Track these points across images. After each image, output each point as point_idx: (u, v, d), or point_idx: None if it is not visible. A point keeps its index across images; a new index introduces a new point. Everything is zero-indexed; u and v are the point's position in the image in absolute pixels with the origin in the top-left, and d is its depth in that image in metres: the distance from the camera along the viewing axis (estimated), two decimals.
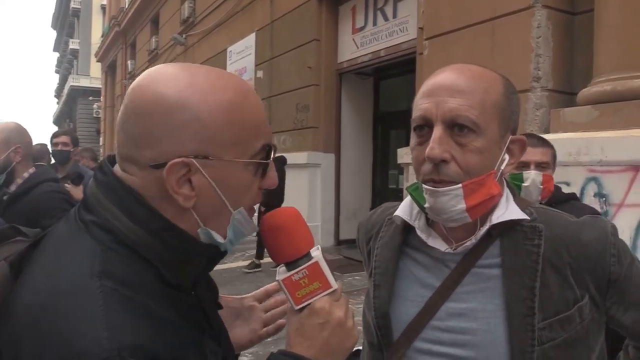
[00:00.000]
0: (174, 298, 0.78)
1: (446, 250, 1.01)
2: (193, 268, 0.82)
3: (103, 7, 37.10)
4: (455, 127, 0.92)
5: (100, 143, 31.97)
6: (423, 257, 1.05)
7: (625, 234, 3.86)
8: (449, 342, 0.98)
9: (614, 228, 0.99)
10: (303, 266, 0.84)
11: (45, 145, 4.48)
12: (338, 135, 9.61)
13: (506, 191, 1.02)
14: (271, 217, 0.88)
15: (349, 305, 0.89)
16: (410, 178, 6.16)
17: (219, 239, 0.80)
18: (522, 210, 0.99)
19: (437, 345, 0.99)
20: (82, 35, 44.21)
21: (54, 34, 66.47)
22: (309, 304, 0.84)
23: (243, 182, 0.80)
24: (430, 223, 1.06)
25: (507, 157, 0.99)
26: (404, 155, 6.39)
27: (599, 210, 4.02)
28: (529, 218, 0.98)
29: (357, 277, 7.21)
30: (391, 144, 9.65)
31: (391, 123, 9.90)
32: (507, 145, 0.98)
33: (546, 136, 4.56)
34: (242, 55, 12.45)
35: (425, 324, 1.00)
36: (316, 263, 0.84)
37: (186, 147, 0.74)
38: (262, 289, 1.15)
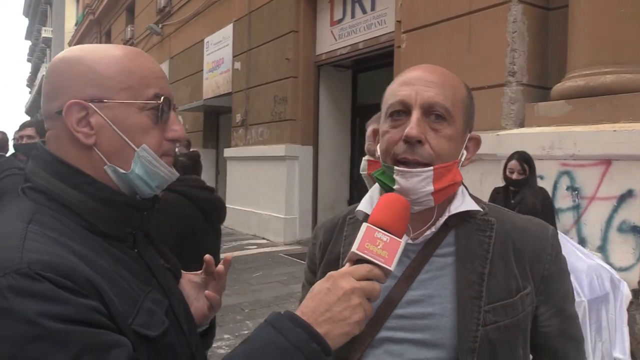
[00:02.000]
0: (109, 248, 0.89)
1: (408, 241, 1.06)
2: (124, 218, 0.94)
3: None
4: (432, 114, 1.01)
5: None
6: None
7: (596, 227, 3.95)
8: (408, 327, 1.03)
9: (554, 232, 1.10)
10: (390, 235, 0.90)
11: (5, 134, 4.40)
12: (316, 128, 9.60)
13: (462, 187, 1.11)
14: (396, 195, 0.98)
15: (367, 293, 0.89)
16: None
17: (123, 170, 0.91)
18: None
19: (398, 332, 1.04)
20: (55, 24, 43.23)
21: (26, 21, 64.97)
22: (364, 258, 0.88)
23: (140, 124, 0.92)
24: None
25: (464, 152, 1.08)
26: None
27: (571, 203, 4.10)
28: (482, 210, 1.08)
29: None
30: None
31: (369, 116, 9.57)
32: (465, 142, 1.08)
33: (521, 130, 4.64)
34: (219, 46, 12.33)
35: (389, 313, 1.05)
36: (399, 242, 0.90)
37: (83, 93, 0.89)
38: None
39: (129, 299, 0.85)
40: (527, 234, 1.07)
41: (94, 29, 26.17)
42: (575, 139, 4.03)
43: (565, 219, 4.14)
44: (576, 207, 4.08)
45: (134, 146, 0.92)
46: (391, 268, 0.89)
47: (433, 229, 1.06)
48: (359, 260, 0.89)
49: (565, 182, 4.15)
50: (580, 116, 4.20)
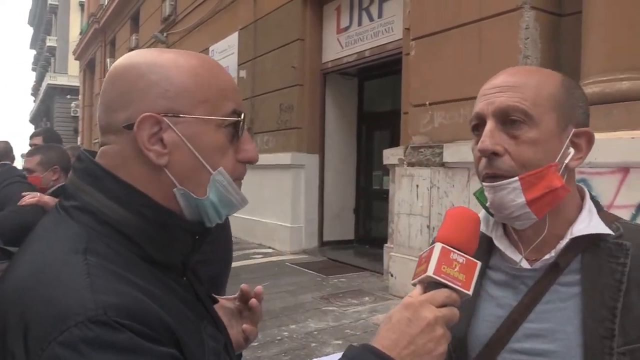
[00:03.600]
0: (163, 278, 0.78)
1: (525, 266, 0.97)
2: (178, 245, 0.82)
3: (81, 4, 36.54)
4: (508, 121, 0.92)
5: (79, 142, 31.48)
6: (499, 275, 1.01)
7: None
8: None
9: None
10: (466, 256, 0.84)
11: (8, 143, 4.43)
12: (322, 136, 9.55)
13: (589, 203, 0.99)
14: (465, 209, 0.91)
15: (445, 322, 0.82)
16: (397, 179, 6.13)
17: (196, 196, 0.80)
18: (608, 225, 0.94)
19: None
20: (60, 33, 43.48)
21: (30, 30, 65.32)
22: (441, 283, 0.82)
23: (217, 143, 0.81)
24: (507, 235, 1.03)
25: (572, 150, 0.95)
26: (390, 157, 6.36)
27: None
28: (613, 234, 0.93)
29: (342, 280, 7.16)
30: (375, 145, 9.61)
31: (375, 124, 9.87)
32: (569, 138, 0.95)
33: None
34: (224, 54, 12.32)
35: (502, 346, 0.95)
36: (476, 263, 0.84)
37: (156, 105, 0.78)
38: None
39: (197, 339, 0.77)
40: None
41: (99, 37, 26.24)
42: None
43: None
44: None
45: (210, 169, 0.81)
46: (470, 293, 0.82)
47: (553, 253, 0.94)
48: (432, 283, 0.82)
49: None
50: (596, 123, 4.10)
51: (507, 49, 4.95)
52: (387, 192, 7.34)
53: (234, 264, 8.21)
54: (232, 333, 1.05)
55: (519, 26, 4.89)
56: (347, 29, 8.87)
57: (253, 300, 1.10)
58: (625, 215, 3.79)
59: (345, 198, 9.88)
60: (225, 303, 1.11)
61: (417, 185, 5.80)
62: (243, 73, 11.24)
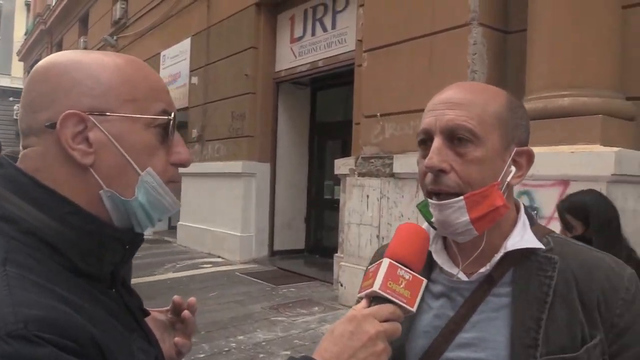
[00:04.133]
0: (90, 289, 0.74)
1: (462, 279, 0.99)
2: (108, 255, 0.78)
3: (27, 4, 35.32)
4: (455, 138, 0.93)
5: (20, 147, 30.25)
6: (438, 287, 1.03)
7: None
8: None
9: (633, 275, 0.94)
10: (413, 273, 0.85)
11: None
12: (274, 145, 9.52)
13: (523, 217, 1.01)
14: (416, 226, 0.92)
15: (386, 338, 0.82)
16: (347, 189, 6.16)
17: (124, 197, 0.77)
18: (539, 239, 0.97)
19: None
20: (4, 32, 41.78)
21: None
22: (387, 298, 0.83)
23: (145, 143, 0.79)
24: (446, 248, 1.06)
25: (513, 169, 0.97)
26: (341, 167, 6.39)
27: None
28: (544, 247, 0.96)
29: (292, 289, 7.12)
30: (327, 155, 9.65)
31: (328, 134, 9.92)
32: (512, 157, 0.97)
33: None
34: (176, 60, 12.14)
35: (439, 355, 0.97)
36: (422, 281, 0.86)
37: (81, 104, 0.75)
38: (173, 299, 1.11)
39: (126, 352, 0.74)
40: (595, 272, 0.92)
41: (45, 39, 25.41)
42: (535, 160, 4.09)
43: None
44: None
45: (138, 169, 0.78)
46: (414, 310, 0.84)
47: (488, 267, 0.96)
48: (377, 297, 0.83)
49: (524, 202, 4.19)
50: (538, 137, 4.26)
51: (456, 64, 5.07)
52: (338, 201, 7.37)
53: (183, 274, 8.02)
54: (165, 347, 1.02)
55: (467, 42, 5.02)
56: (300, 38, 8.90)
57: (186, 312, 1.06)
58: None
59: (297, 207, 9.87)
60: (157, 315, 1.07)
61: (368, 196, 5.85)
62: (195, 79, 11.10)
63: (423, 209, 0.99)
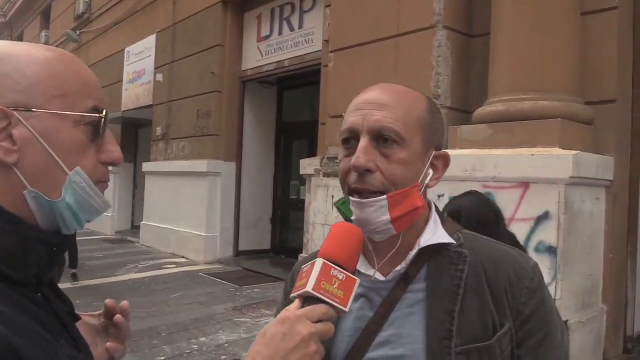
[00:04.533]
0: (10, 294, 0.70)
1: (379, 279, 1.01)
2: (32, 258, 0.74)
3: None
4: (381, 139, 0.95)
5: None
6: (358, 289, 1.01)
7: None
8: None
9: (537, 266, 1.01)
10: (346, 273, 0.84)
11: None
12: (240, 144, 9.44)
13: (434, 215, 1.05)
14: (350, 225, 0.92)
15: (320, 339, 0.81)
16: (313, 189, 6.14)
17: (50, 198, 0.74)
18: (451, 235, 1.02)
19: None
20: None
21: None
22: (320, 299, 0.81)
23: (74, 142, 0.76)
24: (364, 250, 1.06)
25: (431, 172, 1.01)
26: (307, 167, 6.37)
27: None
28: (455, 243, 1.00)
29: (256, 290, 7.06)
30: (293, 155, 9.62)
31: (294, 134, 9.89)
32: (430, 160, 1.01)
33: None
34: (141, 57, 11.93)
35: (361, 356, 0.98)
36: (355, 280, 0.85)
37: (5, 99, 0.71)
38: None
39: (51, 359, 0.70)
40: (502, 264, 0.98)
41: (5, 32, 24.63)
42: (496, 162, 4.15)
43: None
44: None
45: (66, 168, 0.75)
46: (347, 310, 0.83)
47: (403, 265, 0.99)
48: (310, 298, 0.82)
49: None
50: (500, 140, 4.33)
51: (421, 66, 5.11)
52: (304, 202, 7.35)
53: (145, 275, 7.88)
54: (97, 352, 0.98)
55: (432, 44, 5.07)
56: (267, 37, 8.85)
57: (118, 317, 1.02)
58: (524, 228, 4.00)
59: (262, 207, 9.81)
60: (89, 320, 1.03)
61: (333, 196, 5.84)
62: (160, 77, 10.92)
63: (342, 207, 1.00)
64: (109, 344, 1.01)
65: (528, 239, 4.01)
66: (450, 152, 4.18)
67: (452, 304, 0.94)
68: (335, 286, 0.82)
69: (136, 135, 13.57)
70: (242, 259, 9.24)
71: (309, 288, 0.81)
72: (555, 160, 3.86)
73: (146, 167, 11.10)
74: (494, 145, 4.36)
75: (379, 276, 1.01)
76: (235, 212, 9.46)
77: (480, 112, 4.67)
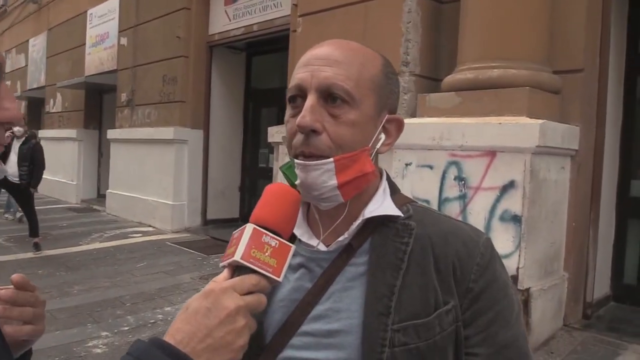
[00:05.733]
0: None
1: (321, 249, 0.94)
2: None
3: None
4: (329, 98, 0.87)
5: None
6: (297, 258, 0.96)
7: (480, 215, 4.07)
8: (313, 346, 0.90)
9: (489, 241, 0.94)
10: (279, 239, 0.77)
11: None
12: (207, 111, 9.24)
13: (384, 185, 0.98)
14: (285, 187, 0.85)
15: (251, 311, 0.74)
16: (280, 157, 6.06)
17: None
18: (399, 207, 0.95)
19: (303, 351, 0.90)
20: None
21: None
22: (249, 268, 0.74)
23: None
24: (307, 217, 0.99)
25: (383, 136, 0.94)
26: (275, 134, 6.27)
27: (458, 193, 4.20)
28: (402, 215, 0.93)
29: None
30: (262, 122, 9.47)
31: (263, 101, 9.71)
32: (382, 124, 0.93)
33: (412, 120, 4.69)
34: (104, 19, 11.50)
35: (296, 329, 0.91)
36: (290, 248, 0.78)
37: None
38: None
39: None
40: (451, 238, 0.91)
41: None
42: (464, 131, 4.12)
43: (452, 208, 4.24)
44: (463, 197, 4.18)
45: None
46: (280, 280, 0.76)
47: (347, 235, 0.92)
48: (240, 267, 0.74)
49: (453, 172, 4.24)
50: (468, 108, 4.30)
51: (390, 31, 5.01)
52: (272, 170, 7.26)
53: (110, 244, 7.75)
54: (10, 331, 0.88)
55: (401, 9, 4.97)
56: (235, 1, 8.59)
57: (7, 292, 0.88)
58: (490, 197, 4.00)
59: (231, 175, 9.68)
60: (3, 295, 0.91)
61: None
62: (124, 40, 10.57)
63: (287, 170, 0.94)
64: (7, 328, 0.88)
65: (494, 207, 4.02)
66: (419, 120, 4.16)
67: (394, 278, 0.88)
68: (267, 254, 0.75)
69: (100, 101, 13.18)
70: (210, 228, 9.16)
71: (237, 257, 0.73)
72: (521, 129, 3.85)
73: (111, 134, 10.81)
74: (462, 113, 4.33)
75: (321, 246, 0.94)
76: (203, 180, 9.32)
77: (449, 79, 4.62)
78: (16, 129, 7.43)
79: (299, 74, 0.90)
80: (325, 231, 0.95)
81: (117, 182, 10.53)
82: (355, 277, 0.90)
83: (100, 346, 4.12)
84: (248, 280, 0.73)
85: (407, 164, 4.52)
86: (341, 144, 0.86)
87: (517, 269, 3.92)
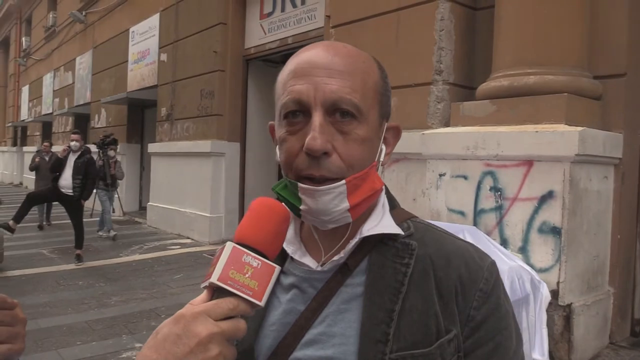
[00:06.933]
0: None
1: (316, 268, 0.86)
2: None
3: None
4: (337, 113, 0.78)
5: None
6: (290, 278, 0.88)
7: (518, 227, 3.92)
8: None
9: (493, 265, 0.86)
10: (262, 259, 0.70)
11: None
12: (244, 124, 9.32)
13: (383, 200, 0.90)
14: (272, 201, 0.77)
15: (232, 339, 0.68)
16: None
17: None
18: (399, 223, 0.86)
19: None
20: None
21: None
22: (227, 290, 0.67)
23: None
24: (300, 233, 0.91)
25: (383, 147, 0.86)
26: None
27: (494, 204, 4.06)
28: (402, 233, 0.85)
29: None
30: None
31: None
32: (383, 135, 0.86)
33: (446, 130, 4.58)
34: (145, 36, 11.80)
35: (288, 354, 0.84)
36: (274, 269, 0.71)
37: None
38: None
39: None
40: (454, 260, 0.83)
41: (14, 14, 24.69)
42: (499, 140, 3.99)
43: (488, 220, 4.10)
44: (499, 208, 4.04)
45: None
46: (261, 304, 0.68)
47: (342, 254, 0.83)
48: (220, 289, 0.67)
49: (488, 182, 4.11)
50: (504, 116, 4.17)
51: (423, 40, 4.93)
52: None
53: (149, 256, 7.82)
54: None
55: (434, 17, 4.88)
56: (270, 14, 8.66)
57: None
58: (528, 207, 3.85)
59: (267, 187, 9.68)
60: None
61: None
62: (164, 56, 10.80)
63: (282, 191, 0.83)
64: None
65: (531, 219, 3.87)
66: (453, 129, 4.06)
67: (392, 302, 0.80)
68: (247, 275, 0.68)
69: (142, 116, 13.51)
70: None
71: (214, 278, 0.67)
72: (559, 137, 3.69)
73: (152, 147, 11.03)
74: (497, 121, 4.20)
75: (313, 264, 0.86)
76: (240, 192, 9.38)
77: (483, 87, 4.50)
78: (72, 143, 7.67)
79: (296, 86, 0.79)
80: (327, 252, 0.87)
81: (157, 194, 10.72)
82: (351, 298, 0.83)
83: (134, 357, 4.14)
84: (224, 304, 0.66)
85: (440, 175, 4.40)
86: (352, 164, 0.78)
87: (558, 283, 3.74)
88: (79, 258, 7.43)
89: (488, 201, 4.11)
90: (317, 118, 0.76)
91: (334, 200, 0.78)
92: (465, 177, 4.24)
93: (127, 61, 12.68)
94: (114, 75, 13.54)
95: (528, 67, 4.20)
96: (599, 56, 4.23)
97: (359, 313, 0.81)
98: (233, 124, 9.19)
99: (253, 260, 0.69)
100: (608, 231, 4.20)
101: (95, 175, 7.98)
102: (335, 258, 0.84)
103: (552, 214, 3.75)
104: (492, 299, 0.82)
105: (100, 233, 9.60)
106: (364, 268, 0.84)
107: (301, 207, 0.80)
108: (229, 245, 0.69)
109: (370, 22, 5.48)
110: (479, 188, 4.18)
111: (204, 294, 0.69)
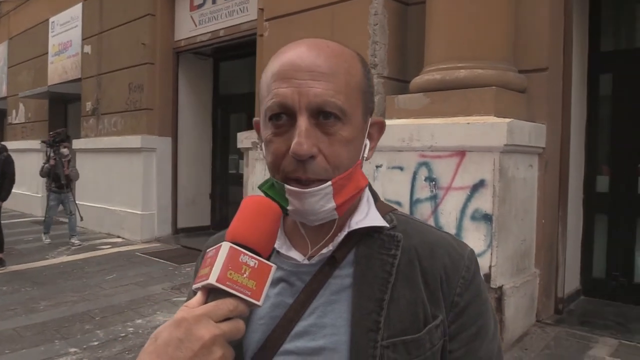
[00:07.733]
0: None
1: (303, 262, 0.88)
2: None
3: None
4: (320, 115, 0.79)
5: None
6: (278, 272, 0.88)
7: (452, 215, 4.08)
8: None
9: (472, 253, 0.91)
10: (259, 258, 0.70)
11: None
12: (175, 118, 9.11)
13: (367, 194, 0.92)
14: (265, 200, 0.77)
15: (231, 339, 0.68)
16: (250, 163, 6.00)
17: None
18: (383, 216, 0.90)
19: None
20: None
21: None
22: (223, 291, 0.67)
23: None
24: (286, 228, 0.93)
25: (367, 142, 0.88)
26: (244, 140, 6.20)
27: (429, 193, 4.21)
28: (388, 225, 0.89)
29: None
30: (231, 128, 9.38)
31: (231, 106, 9.62)
32: (368, 129, 0.88)
33: None
34: (66, 27, 11.26)
35: (277, 347, 0.85)
36: (271, 268, 0.71)
37: None
38: None
39: None
40: (437, 250, 0.87)
41: None
42: (433, 131, 4.13)
43: (423, 209, 4.25)
44: (434, 197, 4.19)
45: None
46: (260, 304, 0.69)
47: (330, 247, 0.86)
48: (216, 289, 0.67)
49: (423, 173, 4.25)
50: (437, 109, 4.32)
51: (357, 34, 5.01)
52: (242, 176, 7.19)
53: (78, 257, 7.50)
54: None
55: (368, 12, 4.97)
56: (201, 6, 8.50)
57: None
58: (461, 196, 4.02)
59: (201, 183, 9.56)
60: None
61: None
62: (88, 48, 10.35)
63: (269, 190, 0.84)
64: None
65: (464, 207, 4.04)
66: (388, 122, 4.12)
67: (382, 292, 0.83)
68: (245, 275, 0.68)
69: (65, 111, 12.89)
70: (181, 237, 9.02)
71: (212, 279, 0.66)
72: (490, 128, 3.87)
73: (76, 144, 10.56)
74: (431, 114, 4.34)
75: (300, 258, 0.88)
76: (173, 189, 9.18)
77: (416, 81, 4.64)
78: None
79: (280, 89, 0.79)
80: (313, 246, 0.89)
81: (84, 193, 10.28)
82: (340, 290, 0.85)
83: None
84: (224, 305, 0.66)
85: (377, 166, 4.51)
86: (338, 165, 0.80)
87: (490, 267, 3.94)
88: (1, 262, 7.03)
89: (423, 191, 4.26)
90: (303, 122, 0.77)
91: (320, 201, 0.80)
92: (401, 169, 4.36)
93: (47, 53, 12.06)
94: (33, 68, 12.85)
95: (458, 61, 4.37)
96: (524, 51, 4.47)
97: (349, 304, 0.83)
98: (164, 118, 8.97)
99: (250, 260, 0.69)
100: (533, 216, 4.46)
101: (13, 175, 7.49)
102: (324, 251, 0.86)
103: (484, 202, 3.94)
104: (474, 285, 0.87)
105: (73, 240, 8.64)
106: (351, 260, 0.86)
107: (289, 207, 0.82)
108: (226, 246, 0.69)
109: (305, 15, 5.50)
110: (414, 178, 4.32)
111: (199, 296, 0.69)
